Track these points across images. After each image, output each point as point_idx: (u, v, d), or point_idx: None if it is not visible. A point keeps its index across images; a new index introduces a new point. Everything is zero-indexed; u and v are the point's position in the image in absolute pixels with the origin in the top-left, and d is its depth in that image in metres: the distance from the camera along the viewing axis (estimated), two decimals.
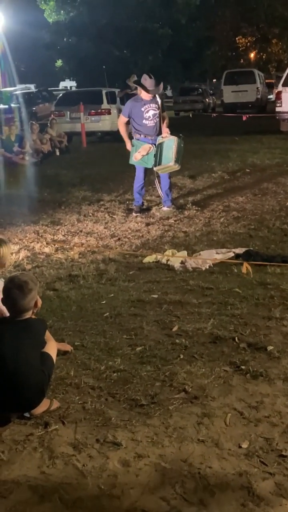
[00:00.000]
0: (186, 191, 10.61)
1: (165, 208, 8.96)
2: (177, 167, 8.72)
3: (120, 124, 9.01)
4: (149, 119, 8.66)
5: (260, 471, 2.93)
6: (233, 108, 29.35)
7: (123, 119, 8.92)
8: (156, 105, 8.63)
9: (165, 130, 8.68)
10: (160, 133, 8.67)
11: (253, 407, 3.48)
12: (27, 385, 3.35)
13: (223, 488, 2.81)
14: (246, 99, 29.58)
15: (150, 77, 8.57)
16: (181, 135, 8.70)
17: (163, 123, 8.69)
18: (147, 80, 8.56)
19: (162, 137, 8.65)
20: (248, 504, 2.71)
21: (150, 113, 8.64)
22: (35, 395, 3.40)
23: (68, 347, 4.21)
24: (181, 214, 8.72)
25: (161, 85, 8.78)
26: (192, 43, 35.70)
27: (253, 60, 51.65)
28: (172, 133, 8.71)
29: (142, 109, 8.62)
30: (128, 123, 8.86)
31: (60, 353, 4.02)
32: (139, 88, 8.66)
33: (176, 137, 8.58)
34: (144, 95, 8.59)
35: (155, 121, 8.67)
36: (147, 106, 8.62)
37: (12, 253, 6.92)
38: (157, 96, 8.69)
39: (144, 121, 8.66)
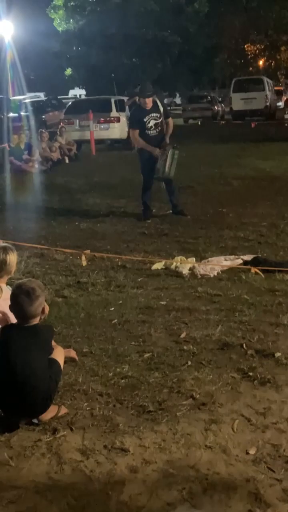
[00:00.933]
0: (195, 197, 10.62)
1: (172, 214, 9.04)
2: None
3: (134, 137, 8.86)
4: (151, 129, 8.61)
5: (268, 477, 2.93)
6: (242, 115, 29.38)
7: (135, 131, 8.78)
8: (158, 114, 8.59)
9: (166, 139, 8.67)
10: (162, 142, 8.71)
11: (260, 414, 3.49)
12: (34, 391, 3.37)
13: (231, 494, 2.82)
14: (255, 106, 29.59)
15: (143, 84, 8.84)
16: (176, 145, 8.66)
17: (167, 130, 8.68)
18: (140, 87, 8.74)
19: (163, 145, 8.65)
20: (255, 510, 2.71)
21: (151, 123, 8.59)
22: (42, 401, 3.41)
23: (73, 354, 4.20)
24: (190, 221, 8.73)
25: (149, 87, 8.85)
26: (201, 51, 35.87)
27: (262, 68, 51.68)
28: (179, 141, 8.78)
29: (144, 119, 8.59)
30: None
31: (67, 359, 4.03)
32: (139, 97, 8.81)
33: (170, 149, 8.53)
34: (143, 102, 8.59)
35: (157, 130, 8.64)
36: (148, 117, 8.57)
37: (21, 260, 6.96)
38: (158, 103, 8.64)
39: (146, 131, 8.61)
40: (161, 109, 8.64)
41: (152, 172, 8.84)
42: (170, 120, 8.86)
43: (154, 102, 8.66)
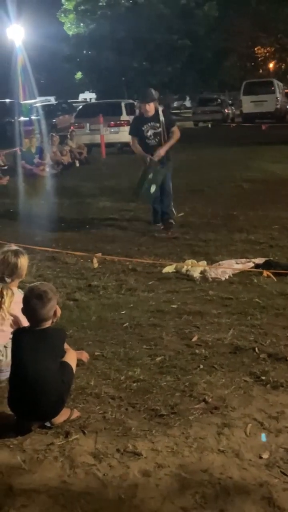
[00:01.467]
0: (206, 200, 10.61)
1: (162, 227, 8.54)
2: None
3: (133, 145, 8.51)
4: (150, 138, 8.28)
5: (281, 481, 2.91)
6: (252, 118, 29.34)
7: (134, 139, 8.47)
8: (157, 124, 8.19)
9: (161, 151, 8.18)
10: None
11: (273, 418, 3.47)
12: (47, 394, 3.38)
13: (244, 498, 2.81)
14: (265, 109, 29.54)
15: (145, 90, 8.60)
16: (163, 165, 8.13)
17: (169, 139, 8.25)
18: (141, 92, 8.56)
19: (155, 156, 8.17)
20: None
21: (150, 132, 8.25)
22: (54, 404, 3.42)
23: (84, 356, 4.19)
24: (201, 224, 8.72)
25: (151, 92, 8.46)
26: (210, 54, 35.90)
27: (272, 70, 51.58)
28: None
29: (143, 128, 8.28)
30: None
31: (78, 361, 4.04)
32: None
33: (151, 168, 8.03)
34: (143, 109, 8.30)
35: (156, 140, 8.26)
36: (147, 125, 8.23)
37: (32, 263, 6.98)
38: (160, 112, 8.25)
39: (145, 140, 8.31)
40: (162, 118, 8.21)
41: None
42: (175, 130, 8.40)
43: (156, 111, 8.26)
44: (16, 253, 4.30)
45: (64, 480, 3.02)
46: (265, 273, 5.66)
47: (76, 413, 3.57)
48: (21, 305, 3.65)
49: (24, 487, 2.98)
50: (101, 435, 3.38)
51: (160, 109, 8.40)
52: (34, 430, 3.45)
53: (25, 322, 3.74)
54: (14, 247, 4.51)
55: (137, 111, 20.54)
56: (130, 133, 8.64)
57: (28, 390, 3.37)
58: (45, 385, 3.38)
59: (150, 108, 8.23)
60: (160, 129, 8.21)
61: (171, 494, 2.86)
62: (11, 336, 4.06)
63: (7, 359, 4.03)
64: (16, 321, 4.13)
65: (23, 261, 4.30)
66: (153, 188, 7.90)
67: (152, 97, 8.32)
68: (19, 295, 4.11)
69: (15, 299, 4.11)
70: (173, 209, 8.85)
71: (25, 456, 3.23)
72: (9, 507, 2.83)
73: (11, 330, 4.10)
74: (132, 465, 3.09)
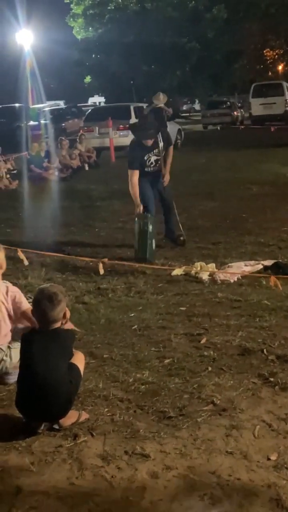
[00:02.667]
0: (215, 203, 10.60)
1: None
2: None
3: (133, 182, 7.46)
4: (151, 165, 7.60)
5: None
6: (261, 120, 29.27)
7: (135, 173, 7.45)
8: (158, 149, 7.52)
9: (167, 176, 7.72)
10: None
11: (282, 419, 3.46)
12: (56, 394, 3.39)
13: (252, 500, 2.80)
14: (274, 111, 29.44)
15: (143, 119, 7.67)
16: (147, 212, 7.15)
17: (165, 161, 7.67)
18: (139, 121, 7.70)
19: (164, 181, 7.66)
20: None
21: (152, 159, 7.56)
22: (62, 405, 3.42)
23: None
24: (209, 227, 8.71)
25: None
26: (220, 57, 35.90)
27: (281, 73, 51.51)
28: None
29: (145, 158, 7.51)
30: None
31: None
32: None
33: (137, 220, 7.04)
34: (144, 141, 7.43)
35: (157, 165, 7.60)
36: (150, 154, 7.52)
37: (41, 266, 7.00)
38: (159, 137, 7.50)
39: (146, 168, 7.57)
40: (161, 144, 7.53)
41: (148, 194, 7.61)
42: (171, 149, 7.84)
43: (157, 135, 7.50)
44: None
45: (73, 482, 3.03)
46: (272, 282, 5.60)
47: (84, 415, 3.58)
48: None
49: (32, 489, 2.98)
50: (109, 437, 3.38)
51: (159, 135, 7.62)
52: (42, 432, 3.46)
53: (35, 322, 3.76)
54: None
55: (146, 112, 20.61)
56: (131, 166, 7.51)
57: (38, 390, 3.38)
58: (54, 386, 3.39)
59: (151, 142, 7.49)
60: (162, 153, 7.59)
61: (180, 496, 2.86)
62: (15, 337, 4.10)
63: (12, 360, 4.04)
64: (10, 314, 4.15)
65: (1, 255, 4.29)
66: (153, 243, 6.98)
67: (154, 126, 7.45)
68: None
69: None
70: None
71: (33, 458, 3.24)
72: (17, 509, 2.84)
73: (10, 329, 4.12)
74: (140, 467, 3.09)
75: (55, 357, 3.45)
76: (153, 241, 6.67)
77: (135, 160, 7.51)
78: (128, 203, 11.01)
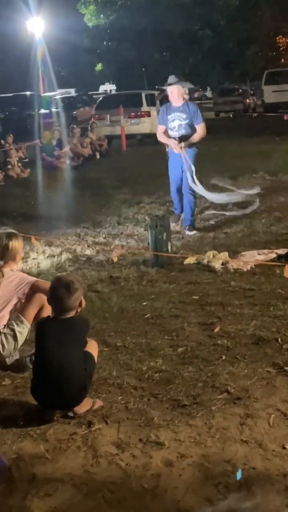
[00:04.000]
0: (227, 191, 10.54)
1: (187, 232, 7.84)
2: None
3: (159, 134, 7.97)
4: (174, 129, 7.72)
5: None
6: (274, 108, 29.03)
7: (160, 128, 7.96)
8: (185, 115, 7.61)
9: (186, 143, 7.62)
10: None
11: None
12: (70, 382, 3.40)
13: (267, 488, 2.79)
14: (287, 98, 29.22)
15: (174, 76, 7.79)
16: (160, 222, 6.59)
17: (193, 135, 7.69)
18: (169, 78, 7.78)
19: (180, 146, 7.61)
20: None
21: (175, 123, 7.69)
22: (77, 393, 3.44)
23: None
24: (222, 215, 8.68)
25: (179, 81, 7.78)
26: (232, 44, 35.62)
27: None
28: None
29: (168, 116, 7.73)
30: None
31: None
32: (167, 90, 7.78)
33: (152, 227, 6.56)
34: (171, 98, 7.69)
35: (180, 132, 7.69)
36: (174, 115, 7.68)
37: (53, 255, 7.01)
38: (191, 105, 7.75)
39: (169, 131, 7.78)
40: (191, 110, 7.65)
41: (176, 174, 7.94)
42: (200, 127, 7.73)
43: (186, 103, 7.71)
44: (9, 236, 4.28)
45: (87, 469, 3.03)
46: (286, 272, 5.57)
47: (98, 403, 3.58)
48: (13, 284, 3.97)
49: (47, 476, 3.00)
50: (123, 425, 3.39)
51: (190, 102, 7.93)
52: (57, 420, 3.47)
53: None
54: (9, 229, 4.49)
55: (157, 100, 20.51)
56: (158, 122, 8.20)
57: (53, 378, 3.39)
58: (69, 373, 3.40)
59: (175, 93, 7.65)
60: (186, 121, 7.65)
61: (194, 484, 2.86)
62: (9, 323, 4.10)
63: (8, 346, 4.06)
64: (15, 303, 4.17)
65: (16, 244, 4.26)
66: (169, 246, 6.58)
67: (174, 79, 7.70)
68: (11, 274, 4.15)
69: (6, 279, 4.11)
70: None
71: (48, 445, 3.25)
72: (32, 496, 2.85)
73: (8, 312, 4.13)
74: (155, 455, 3.10)
75: (69, 345, 3.46)
76: (169, 245, 6.56)
77: (160, 115, 8.12)
78: (139, 192, 11.03)
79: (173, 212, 8.47)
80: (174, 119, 7.70)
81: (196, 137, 7.74)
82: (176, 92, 7.69)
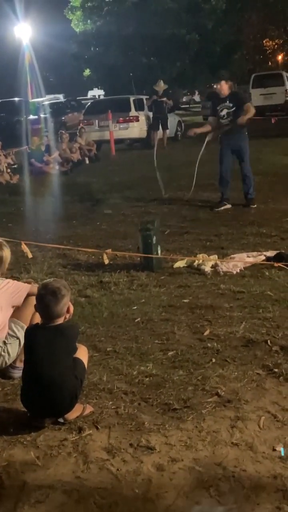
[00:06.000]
0: (216, 193, 10.55)
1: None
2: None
3: (206, 128, 9.64)
4: (224, 117, 8.93)
5: None
6: (261, 111, 29.10)
7: (210, 118, 9.49)
8: (231, 104, 8.85)
9: (241, 118, 8.80)
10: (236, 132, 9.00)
11: (286, 410, 3.46)
12: (60, 390, 3.38)
13: (258, 491, 2.79)
14: (274, 101, 29.31)
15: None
16: (150, 225, 6.50)
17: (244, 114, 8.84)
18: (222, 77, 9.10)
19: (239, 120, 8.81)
20: (283, 507, 2.68)
21: (224, 112, 8.90)
22: (68, 400, 3.42)
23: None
24: (212, 218, 8.70)
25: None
26: (219, 47, 35.70)
27: (280, 63, 51.30)
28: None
29: (218, 107, 8.99)
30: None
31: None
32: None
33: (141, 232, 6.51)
34: (217, 88, 9.02)
35: (229, 119, 8.91)
36: (222, 106, 8.92)
37: (43, 261, 6.99)
38: (237, 93, 9.15)
39: (220, 119, 8.99)
40: (237, 98, 9.01)
41: (225, 163, 9.34)
42: (246, 106, 9.00)
43: (233, 93, 9.02)
44: (0, 246, 4.26)
45: (78, 475, 3.02)
46: (277, 264, 5.62)
47: (89, 409, 3.57)
48: (9, 292, 3.96)
49: (38, 483, 2.98)
50: (114, 430, 3.38)
51: (236, 91, 9.39)
52: (47, 426, 3.46)
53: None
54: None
55: (147, 105, 20.56)
56: (209, 113, 9.65)
57: (43, 386, 3.37)
58: (59, 381, 3.38)
59: (223, 87, 8.96)
60: (233, 109, 8.84)
61: (185, 488, 2.86)
62: (10, 332, 4.07)
63: (11, 355, 4.04)
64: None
65: (7, 253, 4.25)
66: (159, 250, 6.61)
67: (220, 76, 9.20)
68: (6, 282, 4.11)
69: (1, 288, 4.09)
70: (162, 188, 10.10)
71: (38, 452, 3.24)
72: (23, 503, 2.84)
73: (2, 323, 4.10)
74: (146, 460, 3.09)
75: (59, 352, 3.44)
76: (159, 248, 6.61)
77: (211, 108, 9.63)
78: (129, 196, 11.04)
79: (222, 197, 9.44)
80: (222, 108, 9.00)
81: (248, 114, 8.98)
82: (223, 85, 9.07)
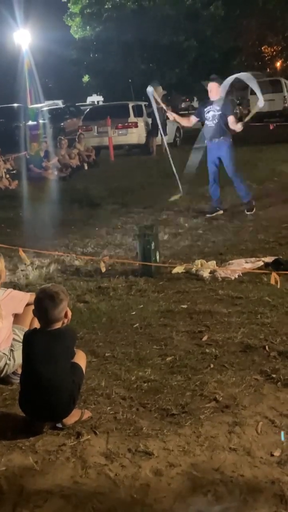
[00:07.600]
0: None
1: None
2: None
3: (185, 121, 10.07)
4: (209, 119, 9.13)
5: None
6: (260, 117, 29.20)
7: (191, 116, 9.96)
8: (218, 107, 9.01)
9: (240, 124, 9.17)
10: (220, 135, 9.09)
11: (284, 415, 3.47)
12: (58, 394, 3.39)
13: (256, 496, 2.80)
14: (273, 108, 29.40)
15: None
16: (148, 232, 6.50)
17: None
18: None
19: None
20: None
21: (210, 114, 9.10)
22: (66, 405, 3.43)
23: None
24: (210, 224, 8.72)
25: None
26: (218, 54, 35.73)
27: (279, 69, 51.45)
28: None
29: (205, 109, 9.20)
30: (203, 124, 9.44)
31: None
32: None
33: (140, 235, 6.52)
34: (210, 89, 9.25)
35: (214, 122, 9.06)
36: (210, 107, 9.13)
37: (42, 266, 7.00)
38: (226, 101, 9.23)
39: (206, 121, 9.20)
40: (225, 107, 9.11)
41: (211, 168, 9.54)
42: (231, 118, 9.09)
43: (223, 99, 9.17)
44: None
45: (76, 480, 3.03)
46: (272, 279, 5.58)
47: (87, 414, 3.58)
48: (10, 302, 3.98)
49: (36, 488, 2.99)
50: (112, 435, 3.39)
51: (226, 98, 9.34)
52: (45, 431, 3.46)
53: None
54: None
55: (147, 110, 20.63)
56: (196, 114, 9.81)
57: (41, 390, 3.38)
58: (58, 385, 3.39)
59: (213, 88, 9.22)
60: (219, 112, 9.02)
61: (183, 493, 2.87)
62: (15, 337, 4.09)
63: (16, 362, 4.05)
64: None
65: (1, 263, 4.25)
66: (157, 256, 6.61)
67: (213, 76, 9.62)
68: (8, 293, 4.13)
69: (3, 299, 4.10)
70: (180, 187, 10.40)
71: (37, 457, 3.24)
72: (21, 508, 2.85)
73: (8, 331, 4.11)
74: (144, 465, 3.10)
75: (57, 357, 3.45)
76: (157, 254, 6.63)
77: (197, 110, 9.97)
78: (127, 202, 11.06)
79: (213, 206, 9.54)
80: (209, 110, 9.16)
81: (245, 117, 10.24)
82: (212, 85, 9.35)
